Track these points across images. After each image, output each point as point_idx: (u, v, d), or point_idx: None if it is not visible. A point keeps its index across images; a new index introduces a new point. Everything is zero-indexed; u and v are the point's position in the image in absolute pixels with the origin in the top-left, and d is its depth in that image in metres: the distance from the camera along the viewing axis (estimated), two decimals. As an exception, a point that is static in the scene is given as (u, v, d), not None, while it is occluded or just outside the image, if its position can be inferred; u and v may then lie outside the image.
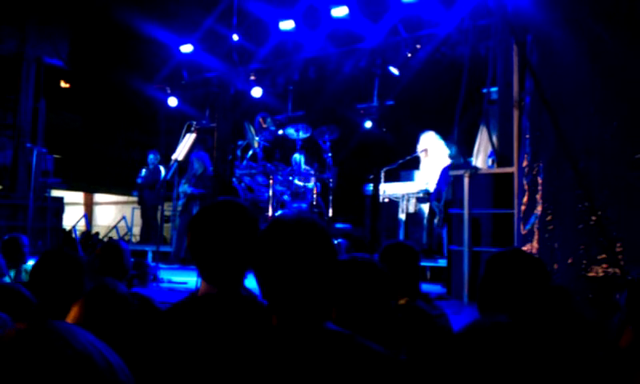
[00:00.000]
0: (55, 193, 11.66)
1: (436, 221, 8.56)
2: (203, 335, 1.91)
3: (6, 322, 2.19)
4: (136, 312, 2.12)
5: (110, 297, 2.09)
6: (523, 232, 5.16)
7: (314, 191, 9.50)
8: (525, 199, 5.17)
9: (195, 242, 2.07)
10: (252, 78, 12.36)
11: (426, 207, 8.85)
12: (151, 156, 12.12)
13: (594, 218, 4.65)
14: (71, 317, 2.06)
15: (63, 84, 14.82)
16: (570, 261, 4.72)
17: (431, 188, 8.48)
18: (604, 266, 4.57)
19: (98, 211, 22.20)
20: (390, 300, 2.64)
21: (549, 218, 4.96)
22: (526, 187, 5.17)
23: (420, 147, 8.89)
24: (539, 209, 5.03)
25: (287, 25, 10.93)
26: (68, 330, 0.89)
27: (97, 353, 0.88)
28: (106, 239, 13.30)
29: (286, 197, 9.47)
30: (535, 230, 5.02)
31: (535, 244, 5.00)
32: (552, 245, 4.87)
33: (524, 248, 5.06)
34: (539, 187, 5.04)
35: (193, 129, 8.31)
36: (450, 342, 1.88)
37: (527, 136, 5.27)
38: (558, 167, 4.94)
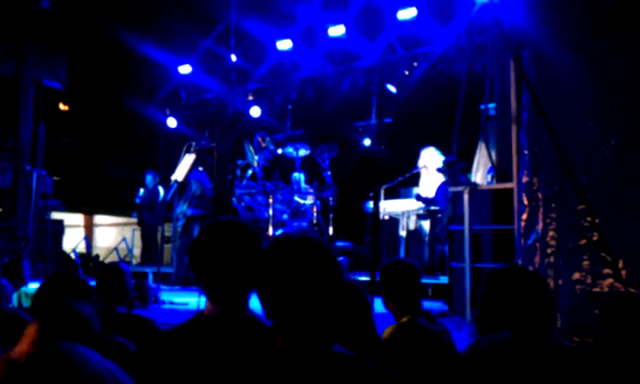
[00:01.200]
0: (55, 215, 11.66)
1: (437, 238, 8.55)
2: (207, 356, 1.89)
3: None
4: (102, 333, 2.07)
5: (69, 317, 2.03)
6: (524, 248, 5.14)
7: (314, 209, 9.50)
8: (525, 216, 5.16)
9: (198, 261, 2.06)
10: (250, 97, 12.40)
11: (426, 224, 8.85)
12: (149, 176, 12.12)
13: (596, 234, 4.63)
14: (25, 339, 1.98)
15: (62, 106, 14.85)
16: (574, 277, 4.70)
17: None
18: (609, 281, 4.54)
19: (98, 233, 22.14)
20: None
21: (551, 233, 4.94)
22: (526, 203, 5.15)
23: (421, 163, 8.90)
24: (540, 225, 5.01)
25: (285, 44, 11.01)
26: (78, 353, 0.89)
27: (108, 375, 0.87)
28: (106, 261, 13.27)
29: (285, 216, 9.46)
30: (537, 245, 5.00)
31: (537, 260, 4.98)
32: (555, 261, 4.85)
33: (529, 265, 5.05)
34: (540, 203, 5.03)
35: (192, 149, 8.32)
36: (456, 363, 1.87)
37: (526, 152, 5.27)
38: (559, 183, 4.92)
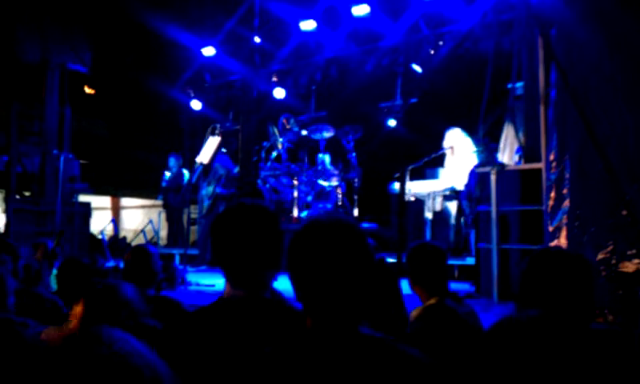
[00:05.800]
0: (82, 198, 11.77)
1: (462, 220, 8.47)
2: (226, 338, 1.89)
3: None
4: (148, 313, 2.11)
5: (113, 297, 2.07)
6: (550, 228, 5.09)
7: (339, 191, 9.48)
8: (552, 194, 5.11)
9: (217, 244, 2.06)
10: (274, 79, 12.39)
11: (452, 205, 8.78)
12: (172, 159, 12.16)
13: (624, 212, 4.56)
14: (72, 319, 2.03)
15: (87, 90, 14.95)
16: (599, 256, 4.64)
17: (458, 186, 8.40)
18: (635, 261, 4.48)
19: (125, 215, 22.38)
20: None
21: (577, 212, 4.88)
22: (552, 182, 5.10)
23: (446, 144, 8.81)
24: (567, 203, 4.96)
25: (308, 25, 10.94)
26: (109, 335, 0.87)
27: (139, 357, 0.84)
28: (133, 243, 13.40)
29: (310, 197, 9.47)
30: (564, 224, 4.95)
31: (564, 239, 4.93)
32: (581, 240, 4.79)
33: (552, 243, 5.00)
34: (567, 181, 4.97)
35: (217, 132, 8.34)
36: (482, 340, 1.84)
37: (554, 130, 5.21)
38: (586, 161, 4.86)
